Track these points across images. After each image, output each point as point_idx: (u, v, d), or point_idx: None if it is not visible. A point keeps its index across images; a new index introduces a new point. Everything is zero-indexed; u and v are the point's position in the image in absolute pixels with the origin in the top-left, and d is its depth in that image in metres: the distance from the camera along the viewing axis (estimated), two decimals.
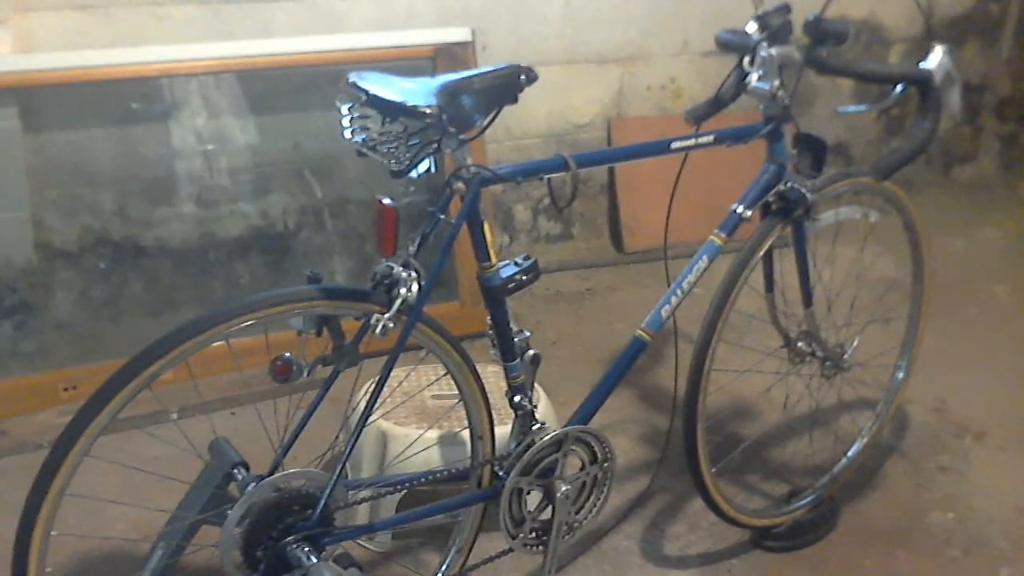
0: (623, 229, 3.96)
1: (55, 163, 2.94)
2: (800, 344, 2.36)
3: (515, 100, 1.70)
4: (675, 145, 1.96)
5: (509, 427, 1.96)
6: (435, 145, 1.64)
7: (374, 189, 3.19)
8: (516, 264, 1.82)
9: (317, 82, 3.13)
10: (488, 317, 1.85)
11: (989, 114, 4.81)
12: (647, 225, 3.93)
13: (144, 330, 1.70)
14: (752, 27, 2.05)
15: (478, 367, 1.96)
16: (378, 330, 1.65)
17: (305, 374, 1.66)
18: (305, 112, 3.22)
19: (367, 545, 2.31)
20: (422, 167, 1.69)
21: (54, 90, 2.89)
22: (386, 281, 1.69)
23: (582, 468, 2.01)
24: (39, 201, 2.93)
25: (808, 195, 2.09)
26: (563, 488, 1.95)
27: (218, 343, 1.62)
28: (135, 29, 3.03)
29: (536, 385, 2.18)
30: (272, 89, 3.15)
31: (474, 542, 2.07)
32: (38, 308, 2.93)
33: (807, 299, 2.30)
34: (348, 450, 1.70)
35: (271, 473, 1.70)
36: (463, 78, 1.64)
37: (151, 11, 3.03)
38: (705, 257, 2.07)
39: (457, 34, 3.27)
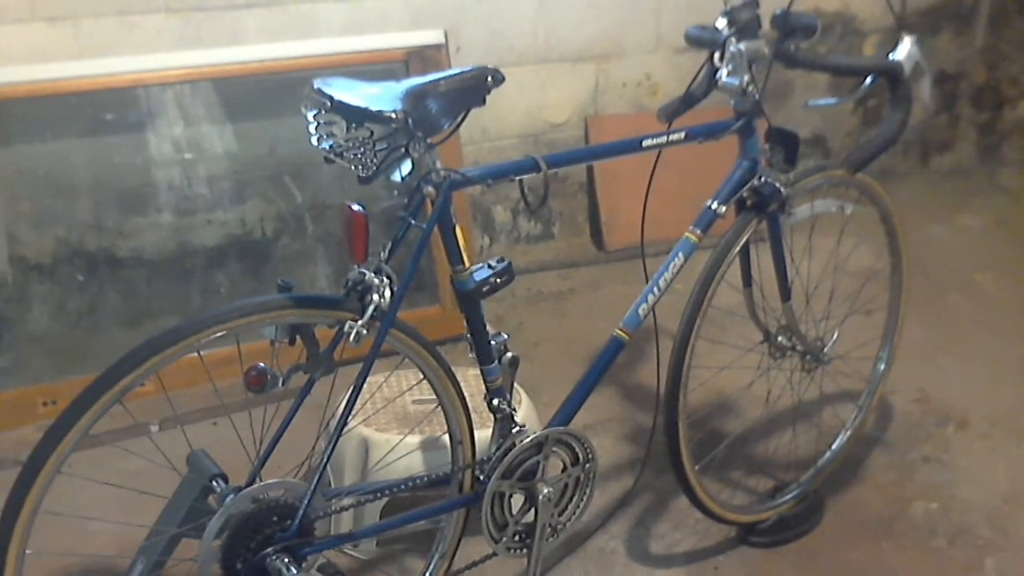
0: (603, 227, 3.96)
1: (28, 176, 2.91)
2: (780, 338, 2.36)
3: (483, 102, 1.69)
4: (647, 143, 1.96)
5: (490, 431, 1.95)
6: (402, 150, 1.63)
7: (352, 194, 3.17)
8: (490, 267, 1.81)
9: (290, 88, 3.10)
10: (464, 320, 1.84)
11: (965, 103, 4.82)
12: (627, 223, 3.92)
13: (123, 342, 1.69)
14: (721, 22, 2.04)
15: (459, 371, 1.95)
16: (352, 337, 1.64)
17: (280, 383, 1.65)
18: (279, 118, 3.20)
19: (352, 553, 2.30)
20: (405, 169, 1.69)
21: (25, 103, 2.87)
22: (358, 288, 1.68)
23: (564, 470, 2.01)
24: (12, 215, 2.91)
25: (782, 189, 2.09)
26: (545, 490, 1.94)
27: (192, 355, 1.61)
28: (104, 40, 3.00)
29: (517, 387, 2.18)
30: (245, 96, 3.14)
31: (457, 547, 2.06)
32: (14, 322, 2.91)
33: (785, 293, 2.30)
34: (325, 459, 1.69)
35: (249, 484, 1.70)
36: (428, 82, 1.63)
37: (119, 21, 3.01)
38: (681, 254, 2.07)
39: (430, 36, 3.26)
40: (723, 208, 2.09)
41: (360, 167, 1.62)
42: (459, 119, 1.70)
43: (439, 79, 1.65)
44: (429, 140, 1.66)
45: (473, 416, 1.96)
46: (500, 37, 3.60)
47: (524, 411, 2.32)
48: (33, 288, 2.94)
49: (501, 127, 3.74)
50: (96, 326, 3.01)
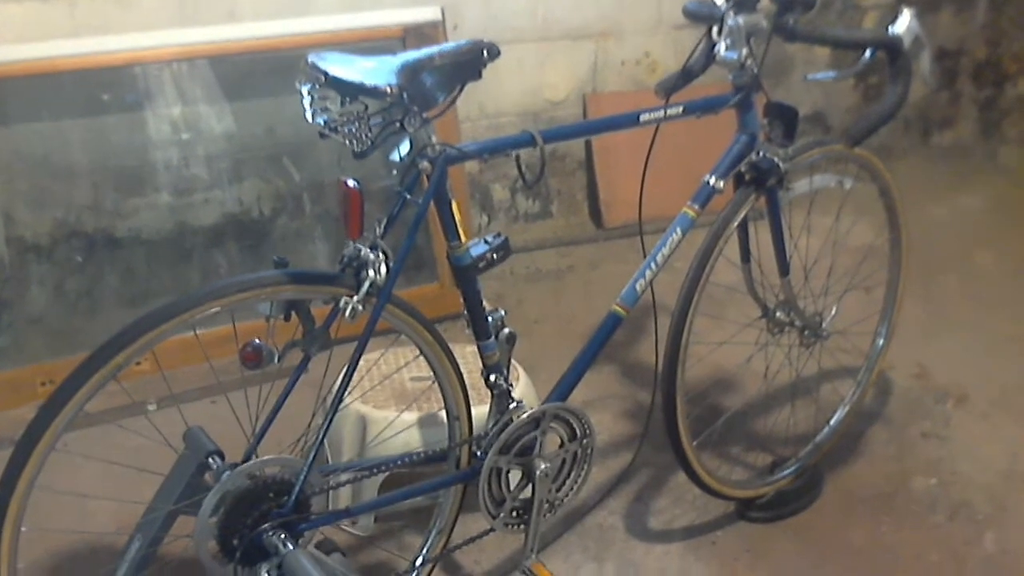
0: (602, 205, 3.95)
1: (25, 156, 2.90)
2: (778, 314, 2.35)
3: (478, 76, 1.67)
4: (644, 117, 1.94)
5: (487, 407, 1.95)
6: (397, 124, 1.62)
7: (350, 172, 3.16)
8: (486, 242, 1.80)
9: (287, 66, 3.08)
10: (461, 296, 1.83)
11: (966, 79, 4.80)
12: (626, 200, 3.91)
13: (121, 322, 1.70)
14: None
15: (457, 348, 1.94)
16: (347, 313, 1.64)
17: (276, 360, 1.65)
18: (277, 97, 3.19)
19: (350, 530, 2.30)
20: (403, 149, 1.68)
21: (20, 82, 2.85)
22: (354, 264, 1.67)
23: (561, 445, 2.00)
24: (9, 195, 2.90)
25: (780, 164, 2.08)
26: (542, 466, 1.94)
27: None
28: (99, 18, 2.98)
29: (515, 363, 2.17)
30: (243, 74, 3.12)
31: (455, 523, 2.06)
32: (12, 303, 2.90)
33: (783, 269, 2.29)
34: (320, 436, 1.68)
35: (245, 461, 1.69)
36: (423, 56, 1.62)
37: None
38: (678, 230, 2.06)
39: (427, 13, 3.24)
40: (721, 183, 2.08)
41: (355, 142, 1.61)
42: (455, 93, 1.68)
43: (434, 53, 1.63)
44: (425, 115, 1.65)
45: (471, 392, 1.96)
46: (498, 14, 3.59)
47: (522, 387, 2.32)
48: (31, 269, 2.94)
49: (499, 105, 3.73)
50: (95, 306, 3.00)
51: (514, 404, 1.92)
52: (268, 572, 1.63)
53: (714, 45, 2.05)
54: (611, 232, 3.93)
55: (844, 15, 4.30)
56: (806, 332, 2.40)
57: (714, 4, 2.04)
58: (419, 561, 2.06)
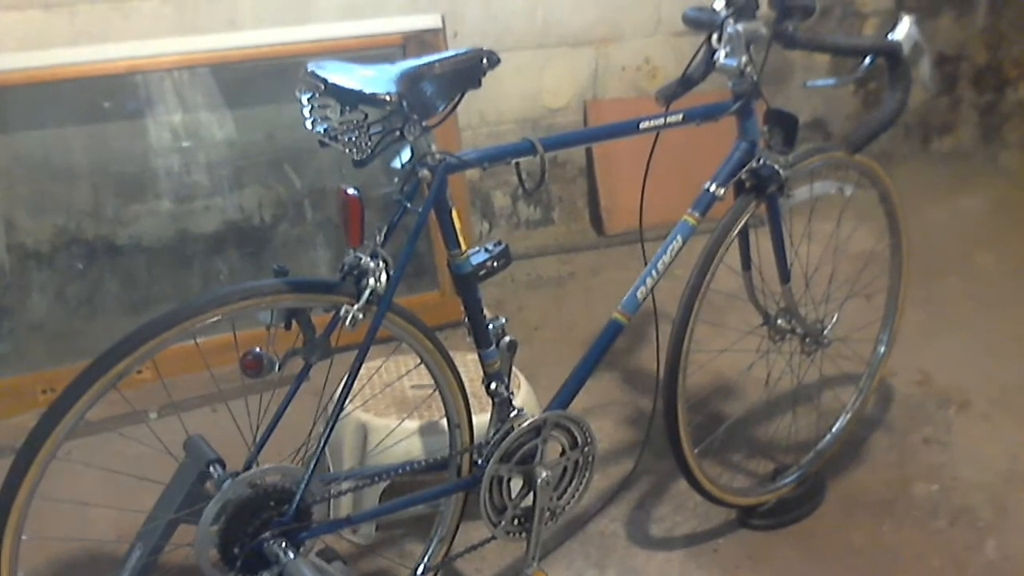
0: (603, 212, 3.94)
1: (26, 164, 2.90)
2: (780, 321, 2.35)
3: (478, 84, 1.68)
4: (644, 125, 1.94)
5: (488, 415, 1.95)
6: (397, 133, 1.62)
7: (350, 179, 3.16)
8: (487, 250, 1.81)
9: (288, 73, 3.09)
10: (462, 304, 1.83)
11: (966, 84, 4.80)
12: (627, 207, 3.91)
13: (123, 329, 1.70)
14: (719, 3, 2.03)
15: (458, 355, 1.94)
16: (348, 321, 1.64)
17: (276, 368, 1.65)
18: (277, 104, 3.18)
19: (351, 538, 2.30)
20: (405, 156, 1.68)
21: (21, 90, 2.85)
22: (354, 272, 1.67)
23: (563, 453, 2.00)
24: (10, 202, 2.90)
25: (780, 171, 2.08)
26: (544, 474, 1.94)
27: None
28: (100, 26, 2.98)
29: (516, 371, 2.17)
30: (243, 82, 3.12)
31: (456, 531, 2.06)
32: (13, 310, 2.90)
33: (784, 276, 2.29)
34: (322, 444, 1.68)
35: (246, 470, 1.69)
36: (423, 64, 1.62)
37: (115, 6, 2.99)
38: (679, 237, 2.06)
39: (427, 21, 3.23)
40: (721, 190, 2.08)
41: (354, 151, 1.61)
42: (455, 101, 1.68)
43: (434, 61, 1.63)
44: (425, 123, 1.65)
45: (472, 400, 1.96)
46: (498, 21, 3.58)
47: (523, 395, 2.32)
48: (32, 276, 2.94)
49: (499, 112, 3.72)
50: (96, 313, 3.00)
51: (515, 412, 1.92)
52: None
53: (714, 52, 2.06)
54: (612, 239, 3.92)
55: (844, 22, 4.30)
56: (807, 339, 2.39)
57: (714, 11, 2.04)
58: (420, 569, 2.06)
